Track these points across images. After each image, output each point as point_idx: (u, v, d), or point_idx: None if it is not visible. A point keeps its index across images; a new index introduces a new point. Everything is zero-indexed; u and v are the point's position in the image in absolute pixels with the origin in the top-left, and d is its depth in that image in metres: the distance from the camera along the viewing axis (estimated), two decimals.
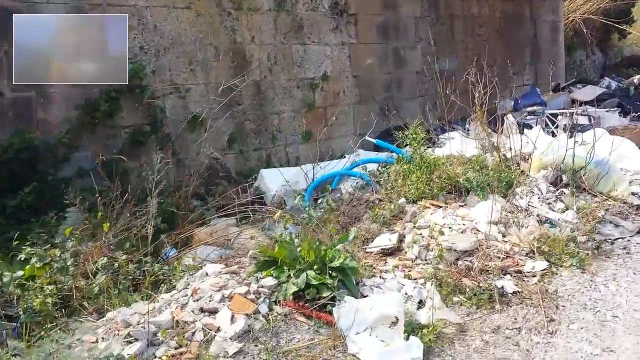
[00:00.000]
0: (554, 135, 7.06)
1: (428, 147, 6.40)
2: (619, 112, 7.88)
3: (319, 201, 5.33)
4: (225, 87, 6.34)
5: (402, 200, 4.30)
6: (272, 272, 3.04)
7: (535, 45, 11.18)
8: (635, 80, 14.22)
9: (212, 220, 4.71)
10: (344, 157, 7.35)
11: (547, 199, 4.47)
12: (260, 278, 3.04)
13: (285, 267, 3.01)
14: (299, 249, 3.08)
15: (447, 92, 6.97)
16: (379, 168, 5.29)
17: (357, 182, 5.29)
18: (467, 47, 9.74)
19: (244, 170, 6.72)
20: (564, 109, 7.71)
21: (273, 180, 5.99)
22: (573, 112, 6.87)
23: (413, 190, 4.38)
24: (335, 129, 7.78)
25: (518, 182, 4.68)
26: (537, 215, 4.19)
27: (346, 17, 7.83)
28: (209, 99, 6.33)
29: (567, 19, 15.31)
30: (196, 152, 6.30)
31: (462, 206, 4.27)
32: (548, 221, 4.13)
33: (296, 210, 5.13)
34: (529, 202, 4.36)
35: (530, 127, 6.86)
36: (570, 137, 5.40)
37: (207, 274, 3.25)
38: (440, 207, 4.25)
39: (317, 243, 3.09)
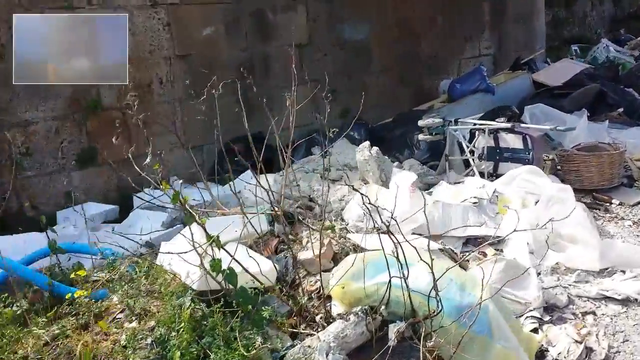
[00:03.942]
0: (467, 165, 4.19)
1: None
2: (588, 115, 4.92)
3: None
4: None
5: None
6: None
7: None
8: None
9: None
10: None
11: None
12: None
13: None
14: None
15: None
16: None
17: None
18: (386, 5, 6.72)
19: None
20: (498, 112, 4.77)
21: None
22: (497, 128, 3.98)
23: None
24: (147, 141, 4.98)
25: None
26: None
27: None
28: None
29: None
30: None
31: None
32: None
33: None
34: None
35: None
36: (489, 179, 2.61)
37: None
38: None
39: None
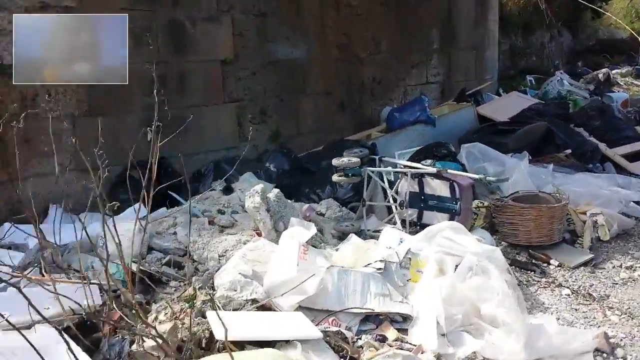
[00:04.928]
0: (391, 211, 3.60)
1: None
2: (530, 157, 4.42)
3: None
4: None
5: None
6: None
7: (449, 25, 7.62)
8: (601, 75, 10.87)
9: None
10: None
11: None
12: None
13: None
14: None
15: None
16: None
17: None
18: (325, 24, 6.17)
19: None
20: (433, 149, 4.24)
21: None
22: (422, 172, 3.41)
23: None
24: (30, 160, 4.30)
25: None
26: None
27: None
28: None
29: None
30: None
31: None
32: None
33: None
34: None
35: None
36: None
37: None
38: None
39: None
